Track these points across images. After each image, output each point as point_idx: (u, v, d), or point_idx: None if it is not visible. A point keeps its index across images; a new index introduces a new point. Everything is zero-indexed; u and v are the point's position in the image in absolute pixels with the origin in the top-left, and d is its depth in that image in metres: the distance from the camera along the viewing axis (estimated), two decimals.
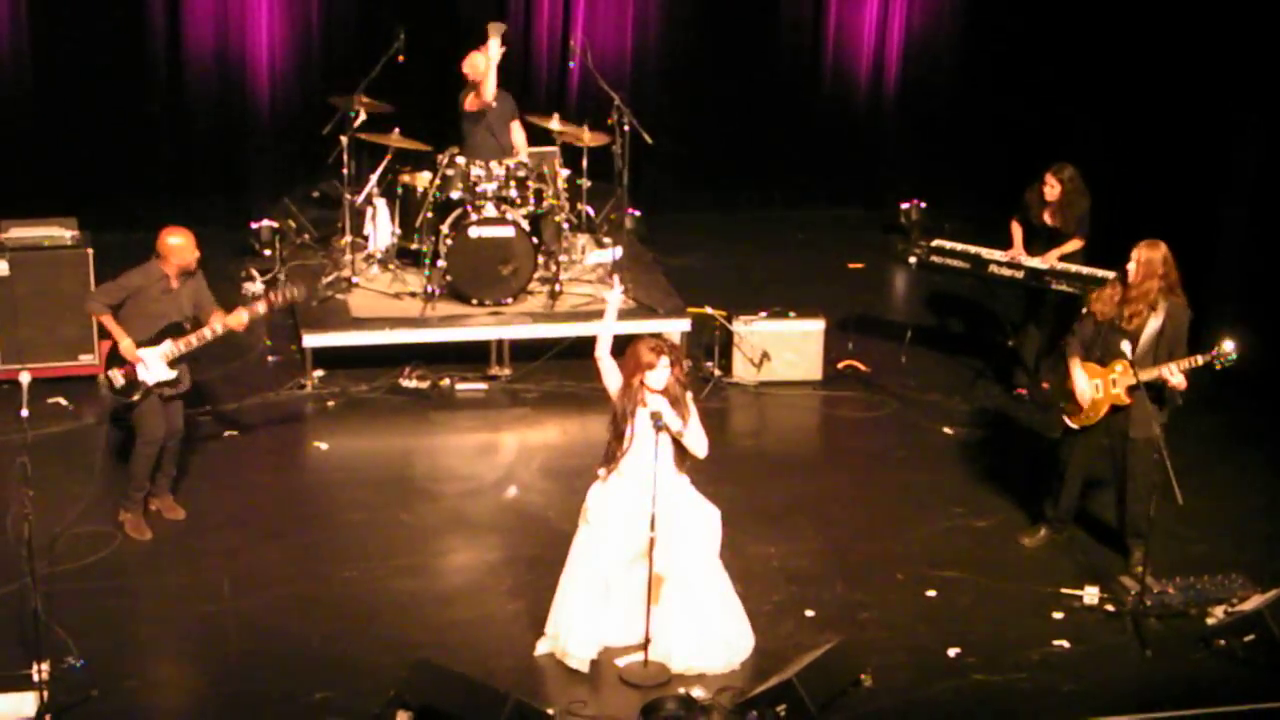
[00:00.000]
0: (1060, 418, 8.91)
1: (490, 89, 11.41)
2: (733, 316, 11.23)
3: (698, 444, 7.76)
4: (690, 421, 7.72)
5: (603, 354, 7.84)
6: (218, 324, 8.79)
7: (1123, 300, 8.62)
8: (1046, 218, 10.74)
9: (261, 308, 9.00)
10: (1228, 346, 8.46)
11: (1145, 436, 8.48)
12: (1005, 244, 10.92)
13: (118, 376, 8.69)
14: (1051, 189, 10.62)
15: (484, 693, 7.28)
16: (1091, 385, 8.67)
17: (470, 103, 11.52)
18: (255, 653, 7.95)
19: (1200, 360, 8.47)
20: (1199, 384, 8.70)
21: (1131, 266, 8.58)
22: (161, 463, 8.98)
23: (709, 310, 11.42)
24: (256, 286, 12.10)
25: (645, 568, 7.67)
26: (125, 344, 8.63)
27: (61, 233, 10.63)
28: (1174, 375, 8.45)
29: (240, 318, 8.88)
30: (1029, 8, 14.08)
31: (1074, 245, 10.70)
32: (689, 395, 7.78)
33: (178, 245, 8.71)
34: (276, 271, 12.21)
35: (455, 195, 11.42)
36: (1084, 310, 8.94)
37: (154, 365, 8.68)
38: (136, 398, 8.69)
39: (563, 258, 11.67)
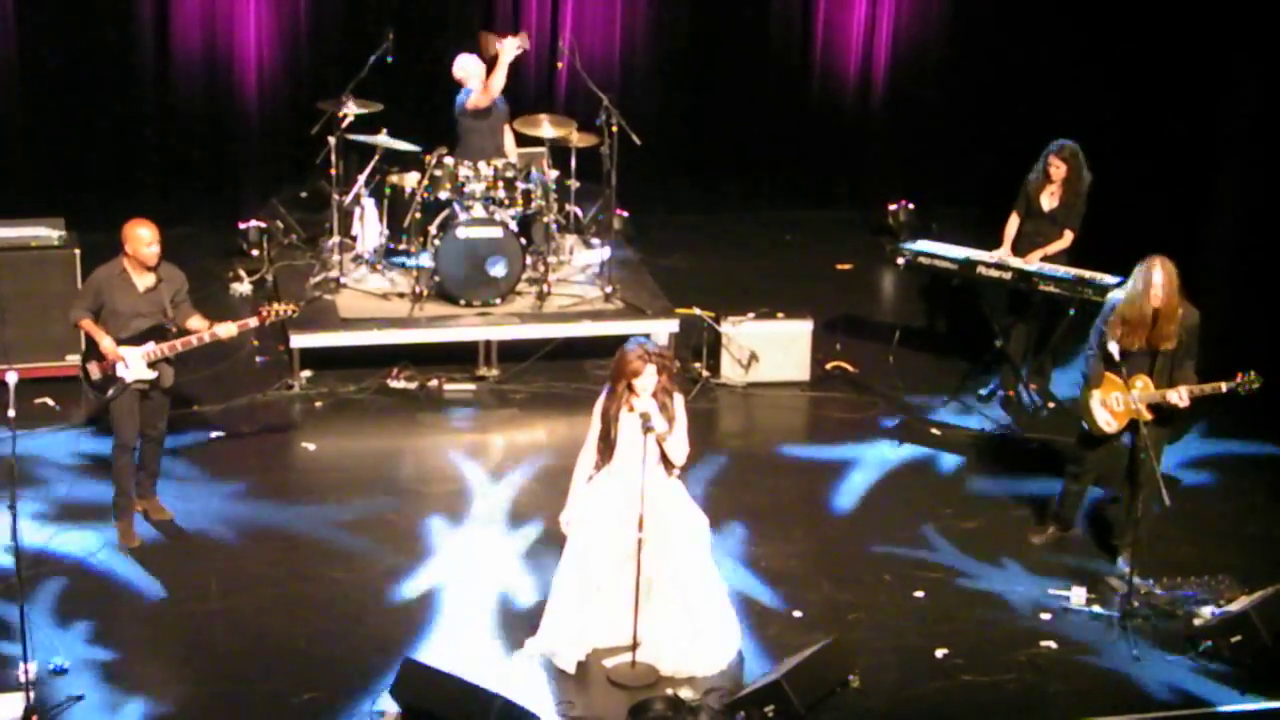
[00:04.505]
0: (1083, 426, 8.85)
1: (499, 83, 11.34)
2: (720, 317, 11.22)
3: (678, 452, 7.73)
4: (675, 428, 7.69)
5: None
6: (204, 331, 8.76)
7: (1153, 326, 8.44)
8: (1046, 199, 10.65)
9: (252, 322, 8.93)
10: (1252, 374, 8.42)
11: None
12: (992, 244, 10.87)
13: (95, 370, 8.68)
14: (1057, 169, 10.53)
15: (472, 693, 7.28)
16: (1112, 398, 8.65)
17: (474, 100, 11.43)
18: (242, 653, 7.94)
19: (1224, 387, 8.44)
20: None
21: (1156, 292, 8.35)
22: (144, 462, 8.96)
23: (697, 311, 11.42)
24: (244, 287, 12.09)
25: (634, 569, 7.67)
26: (105, 343, 8.58)
27: (48, 233, 10.60)
28: (1182, 400, 8.43)
29: (229, 329, 8.82)
30: (1016, 9, 14.10)
31: (1062, 244, 10.64)
32: (678, 402, 7.75)
33: (133, 234, 8.60)
34: (264, 272, 12.20)
35: (443, 196, 11.41)
36: (1103, 329, 8.66)
37: (134, 364, 8.65)
38: (111, 393, 8.66)
39: (551, 258, 11.67)
